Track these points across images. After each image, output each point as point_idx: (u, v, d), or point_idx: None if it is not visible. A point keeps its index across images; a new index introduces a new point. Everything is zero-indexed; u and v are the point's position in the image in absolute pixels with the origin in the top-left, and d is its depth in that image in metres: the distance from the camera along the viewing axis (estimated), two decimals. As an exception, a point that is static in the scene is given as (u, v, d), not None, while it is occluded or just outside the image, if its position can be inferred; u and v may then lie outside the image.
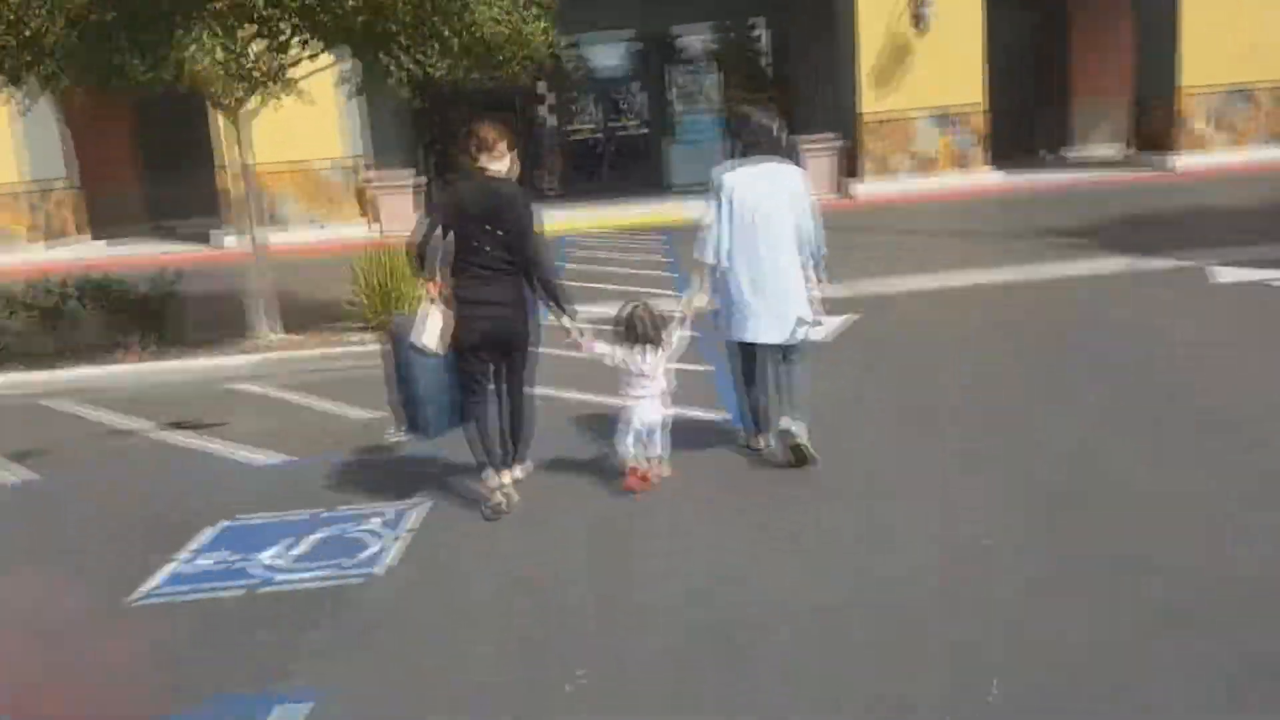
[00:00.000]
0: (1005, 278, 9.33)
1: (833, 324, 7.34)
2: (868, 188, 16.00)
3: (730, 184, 4.90)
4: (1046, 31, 19.62)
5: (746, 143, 5.00)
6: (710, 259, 4.92)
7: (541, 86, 20.32)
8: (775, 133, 5.08)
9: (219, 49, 6.88)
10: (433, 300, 4.63)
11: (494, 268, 4.62)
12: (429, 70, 7.80)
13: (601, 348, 4.79)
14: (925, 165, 16.08)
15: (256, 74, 7.75)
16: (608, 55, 20.65)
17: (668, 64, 20.60)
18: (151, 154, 19.07)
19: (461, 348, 4.60)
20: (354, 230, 15.54)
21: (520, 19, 7.92)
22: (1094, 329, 7.42)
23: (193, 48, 6.77)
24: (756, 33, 21.15)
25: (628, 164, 20.61)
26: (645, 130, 20.72)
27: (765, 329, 4.91)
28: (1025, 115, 19.22)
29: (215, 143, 14.95)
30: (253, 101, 8.26)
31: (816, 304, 5.04)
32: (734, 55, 20.89)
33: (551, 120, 20.76)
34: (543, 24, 8.05)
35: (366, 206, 16.16)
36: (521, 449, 4.96)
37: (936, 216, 14.19)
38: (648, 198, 17.30)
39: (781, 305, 4.89)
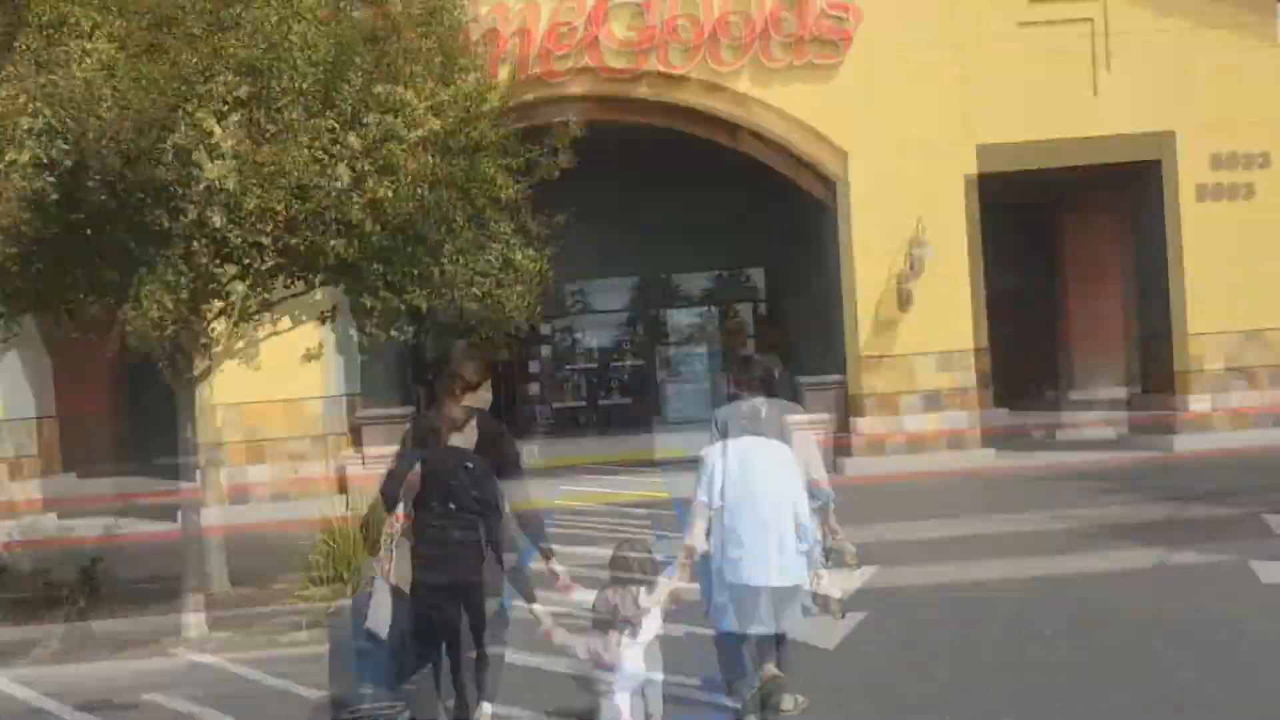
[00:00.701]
0: (1028, 572, 8.26)
1: (837, 628, 6.13)
2: (861, 462, 15.39)
3: (714, 463, 4.89)
4: (1042, 279, 19.72)
5: (742, 384, 5.21)
6: (701, 546, 4.78)
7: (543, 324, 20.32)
8: (772, 374, 5.29)
9: (167, 298, 6.36)
10: (388, 561, 4.45)
11: (463, 509, 4.44)
12: (410, 301, 7.42)
13: (564, 637, 4.25)
14: (930, 403, 15.61)
15: (216, 340, 7.41)
16: (608, 294, 20.78)
17: (665, 305, 20.70)
18: (135, 382, 18.53)
19: (417, 591, 4.41)
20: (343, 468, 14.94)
21: (510, 249, 7.64)
22: (1145, 648, 6.15)
23: (149, 287, 6.31)
24: (750, 278, 21.30)
25: (625, 397, 20.39)
26: (642, 364, 20.59)
27: (754, 570, 4.72)
28: (1024, 362, 18.99)
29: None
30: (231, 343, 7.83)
31: (819, 594, 4.71)
32: (730, 297, 21.03)
33: (548, 352, 20.66)
34: (532, 252, 7.78)
35: (356, 443, 15.58)
36: (489, 689, 4.65)
37: (942, 490, 13.47)
38: (643, 431, 16.90)
39: (772, 557, 4.75)
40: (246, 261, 6.89)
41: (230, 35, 6.54)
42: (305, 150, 6.31)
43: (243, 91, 6.48)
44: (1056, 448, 16.45)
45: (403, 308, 7.37)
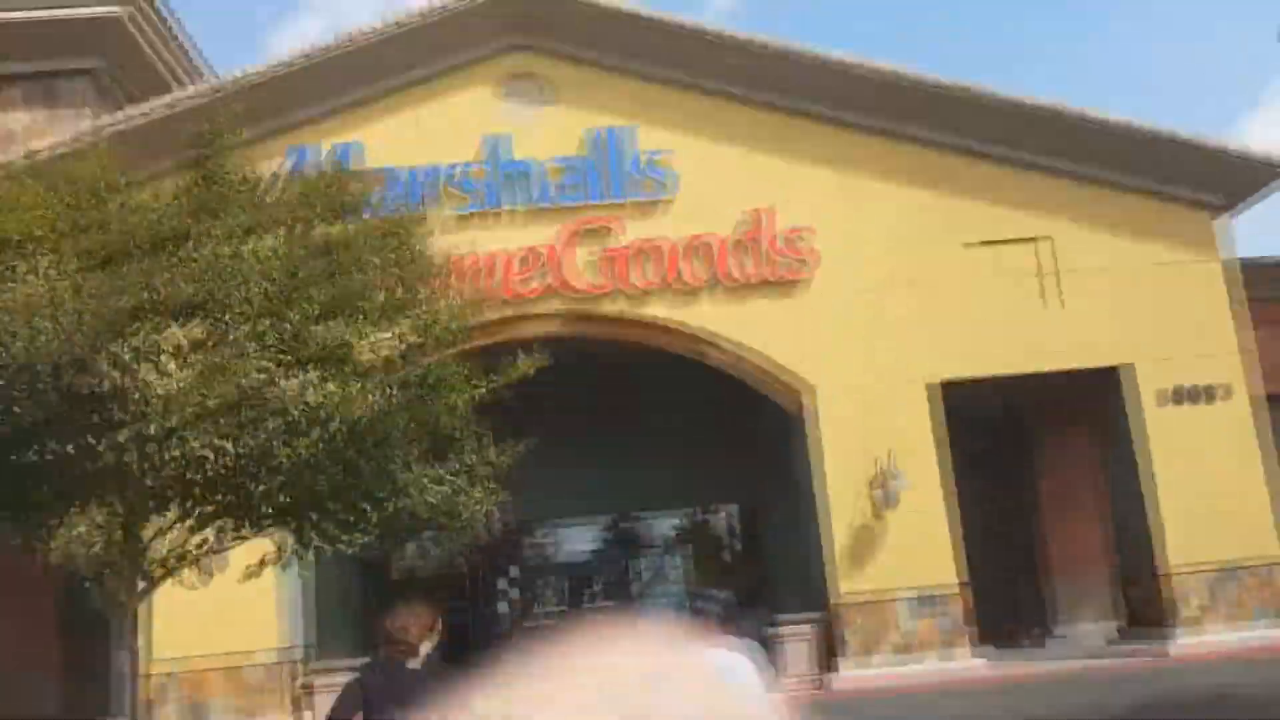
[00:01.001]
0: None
1: None
2: (848, 675, 14.61)
3: None
4: (1017, 509, 19.38)
5: (695, 618, 5.08)
6: None
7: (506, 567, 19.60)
8: (723, 606, 5.18)
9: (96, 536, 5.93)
10: None
11: None
12: (342, 548, 6.92)
13: None
14: (908, 648, 14.85)
15: (155, 566, 6.86)
16: (574, 537, 20.10)
17: (635, 545, 20.10)
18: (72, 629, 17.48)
19: None
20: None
21: (454, 490, 7.21)
22: None
23: (76, 530, 5.87)
24: (723, 515, 20.80)
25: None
26: (611, 607, 19.61)
27: None
28: (1005, 595, 18.36)
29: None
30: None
31: None
32: (701, 536, 20.41)
33: (514, 595, 19.71)
34: (478, 494, 7.35)
35: (302, 700, 14.50)
36: None
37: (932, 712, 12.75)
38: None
39: None
40: (186, 504, 6.47)
41: (180, 268, 6.40)
42: (252, 360, 6.01)
43: (194, 326, 6.29)
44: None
45: (348, 547, 6.90)
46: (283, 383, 6.32)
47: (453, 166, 15.08)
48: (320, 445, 6.45)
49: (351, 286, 6.72)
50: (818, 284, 15.42)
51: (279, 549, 7.85)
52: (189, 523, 6.81)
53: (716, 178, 15.41)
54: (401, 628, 4.44)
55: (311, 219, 7.03)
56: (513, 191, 15.18)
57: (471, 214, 15.03)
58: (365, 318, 6.71)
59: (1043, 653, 16.94)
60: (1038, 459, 19.35)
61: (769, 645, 15.57)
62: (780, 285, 15.37)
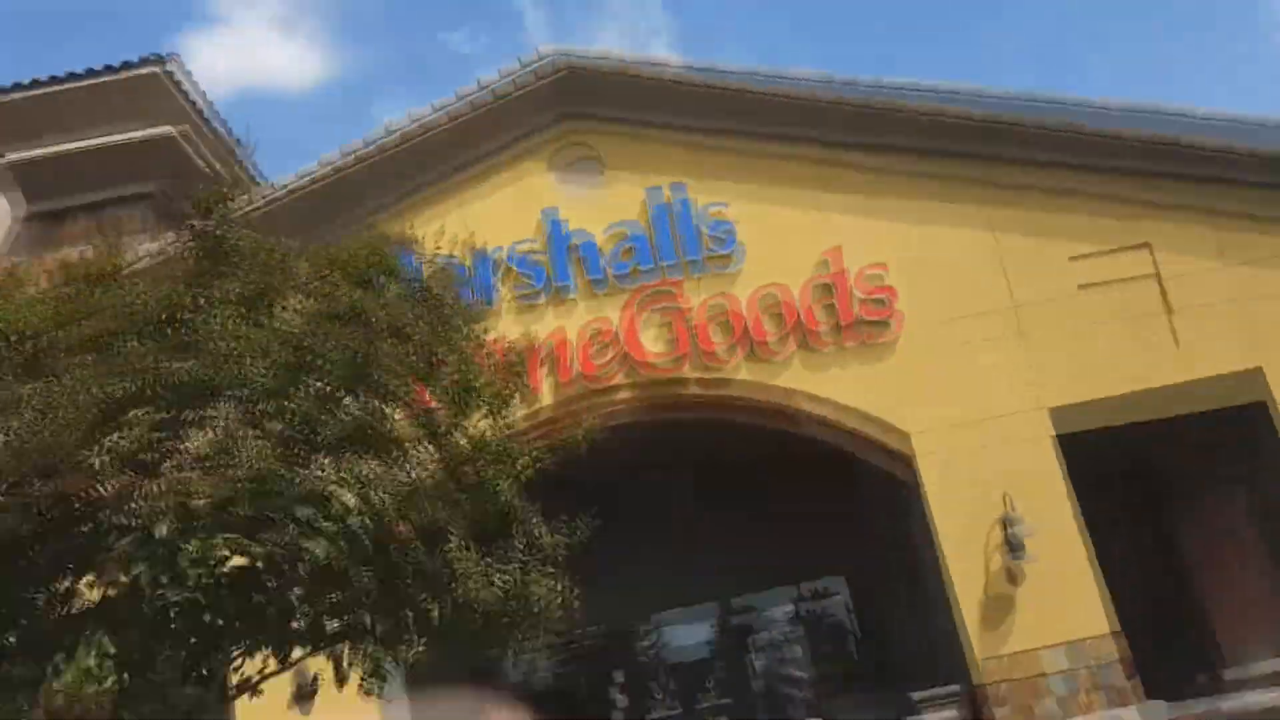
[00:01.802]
0: None
1: None
2: (1006, 749, 12.91)
3: None
4: (1162, 545, 17.45)
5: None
6: None
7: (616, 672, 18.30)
8: None
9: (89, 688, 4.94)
10: None
11: None
12: (400, 659, 5.86)
13: None
14: (1068, 711, 13.08)
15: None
16: (682, 633, 18.67)
17: (747, 635, 18.58)
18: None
19: None
20: None
21: (523, 573, 6.14)
22: None
23: (66, 678, 4.91)
24: (837, 594, 19.16)
25: None
26: (731, 706, 18.00)
27: None
28: (1163, 640, 16.35)
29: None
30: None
31: None
32: (816, 620, 18.81)
33: (624, 701, 18.24)
34: (554, 584, 6.26)
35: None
36: None
37: None
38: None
39: None
40: (194, 636, 5.50)
41: (185, 345, 5.61)
42: (262, 441, 5.11)
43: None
44: None
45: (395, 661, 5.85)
46: (319, 472, 5.44)
47: (512, 248, 14.42)
48: (362, 535, 5.51)
49: (380, 351, 5.83)
50: (904, 325, 14.18)
51: (340, 667, 6.83)
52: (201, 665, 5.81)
53: (780, 229, 14.44)
54: None
55: (338, 283, 6.19)
56: (575, 269, 14.41)
57: (535, 298, 14.31)
58: (397, 387, 5.82)
59: (1220, 697, 14.88)
60: (1181, 488, 17.43)
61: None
62: (864, 328, 14.16)
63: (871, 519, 17.03)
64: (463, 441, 6.08)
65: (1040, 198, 14.64)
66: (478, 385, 5.94)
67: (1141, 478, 17.22)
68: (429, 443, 5.80)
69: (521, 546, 6.41)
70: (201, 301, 5.90)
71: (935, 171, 14.77)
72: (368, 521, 5.29)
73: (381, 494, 5.17)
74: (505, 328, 14.11)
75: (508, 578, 6.02)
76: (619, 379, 14.13)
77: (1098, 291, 14.33)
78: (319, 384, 5.53)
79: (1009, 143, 14.57)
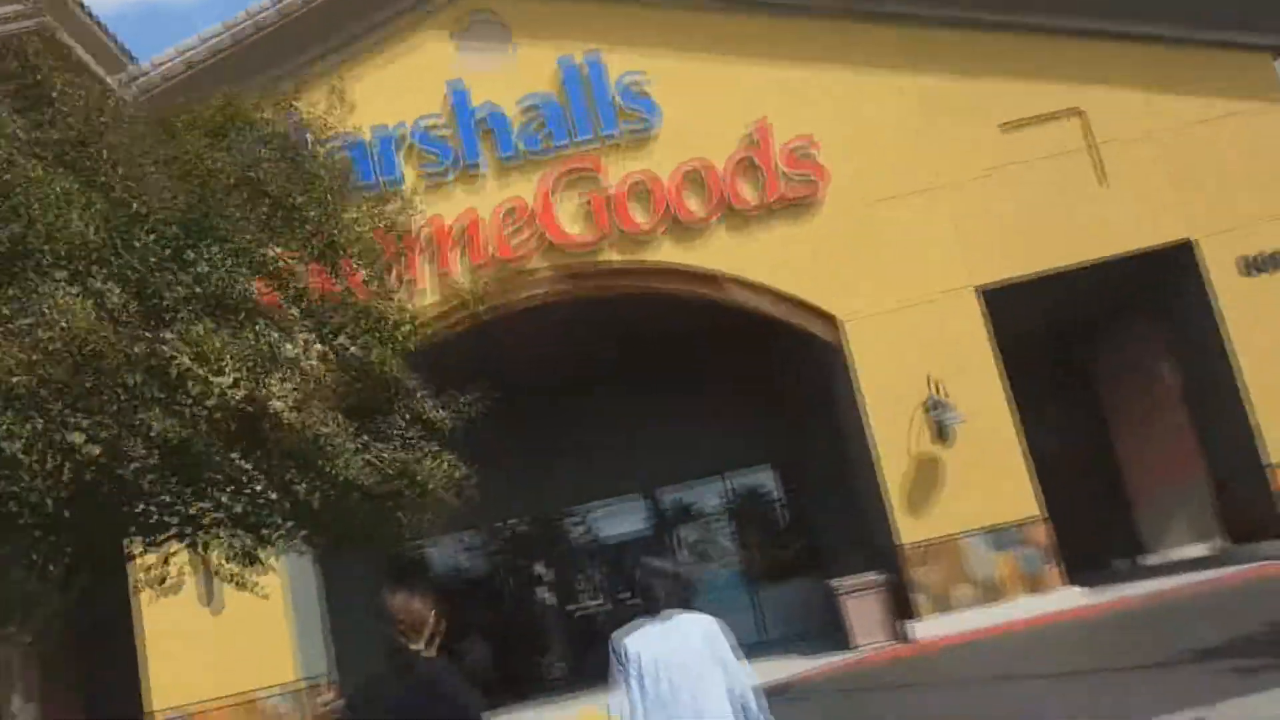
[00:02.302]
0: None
1: None
2: (927, 627, 12.76)
3: (634, 648, 4.20)
4: (1086, 431, 17.37)
5: (648, 597, 4.31)
6: None
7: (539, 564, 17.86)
8: (679, 581, 4.40)
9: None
10: None
11: None
12: (269, 544, 5.15)
13: None
14: (991, 593, 12.95)
15: None
16: (609, 520, 18.23)
17: (675, 523, 18.22)
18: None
19: None
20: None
21: (407, 459, 5.42)
22: None
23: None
24: (765, 480, 18.77)
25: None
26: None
27: None
28: (1084, 525, 16.35)
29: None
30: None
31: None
32: (746, 504, 18.47)
33: (549, 596, 17.87)
34: (442, 462, 5.56)
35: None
36: None
37: (1029, 654, 10.90)
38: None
39: None
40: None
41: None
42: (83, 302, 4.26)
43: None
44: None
45: (260, 550, 5.13)
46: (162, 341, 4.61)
47: (416, 124, 13.35)
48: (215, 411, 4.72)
49: (228, 203, 4.95)
50: (831, 199, 13.49)
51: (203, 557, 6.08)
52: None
53: (703, 98, 13.55)
54: (403, 605, 3.97)
55: (176, 131, 5.27)
56: (484, 144, 13.41)
57: (443, 177, 13.33)
58: (249, 244, 4.96)
59: (1140, 580, 14.90)
60: (1099, 367, 17.30)
61: (834, 609, 13.80)
62: (790, 206, 13.47)
63: (799, 405, 16.64)
64: (332, 305, 5.28)
65: (966, 62, 13.88)
66: (341, 240, 5.10)
67: (1060, 336, 16.93)
68: (292, 306, 5.00)
69: (405, 422, 5.70)
70: (14, 154, 4.96)
71: (862, 37, 13.94)
72: (227, 392, 4.51)
73: (236, 363, 4.38)
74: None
75: (389, 455, 5.31)
76: (536, 261, 13.33)
77: (1026, 160, 13.74)
78: (153, 240, 4.67)
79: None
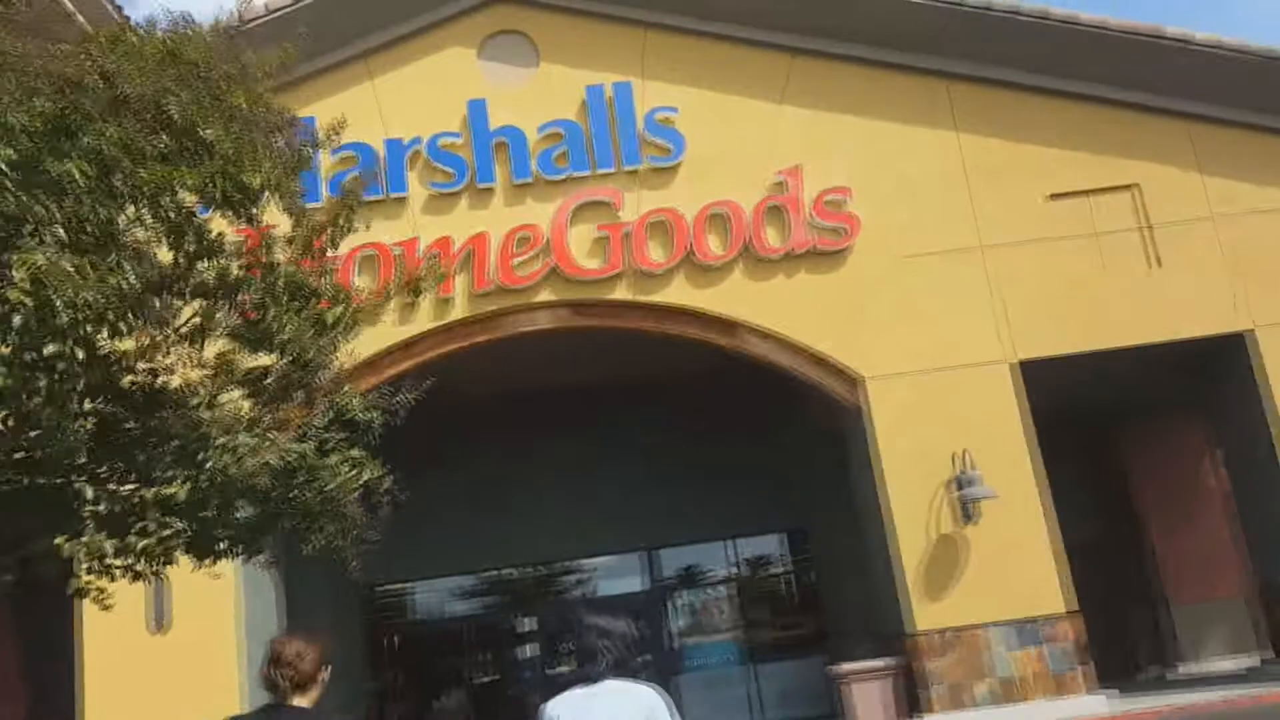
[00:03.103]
0: None
1: None
2: (938, 725, 11.43)
3: (557, 716, 3.42)
4: (1119, 526, 15.99)
5: (585, 657, 3.56)
6: None
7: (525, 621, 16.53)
8: (624, 640, 3.57)
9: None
10: None
11: None
12: (133, 549, 4.12)
13: None
14: (1010, 692, 11.60)
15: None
16: (604, 577, 16.90)
17: (670, 585, 16.83)
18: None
19: None
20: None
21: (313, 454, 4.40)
22: None
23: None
24: (772, 547, 17.38)
25: None
26: (649, 660, 16.36)
27: None
28: (1113, 626, 14.96)
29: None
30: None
31: None
32: (750, 571, 17.11)
33: (532, 651, 16.48)
34: (355, 461, 4.55)
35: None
36: None
37: None
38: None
39: None
40: None
41: None
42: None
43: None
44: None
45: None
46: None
47: (431, 141, 12.58)
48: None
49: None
50: (861, 249, 12.48)
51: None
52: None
53: (734, 137, 12.69)
54: (297, 654, 3.56)
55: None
56: (500, 164, 12.60)
57: (453, 192, 12.52)
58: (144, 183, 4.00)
59: (1173, 690, 13.43)
60: (1136, 458, 15.98)
61: (836, 695, 12.51)
62: (817, 255, 12.50)
63: (813, 470, 15.48)
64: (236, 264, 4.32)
65: (1015, 126, 12.98)
66: (255, 183, 4.12)
67: (1096, 421, 15.60)
68: (168, 239, 3.99)
69: (326, 419, 4.71)
70: None
71: (904, 87, 13.07)
72: (65, 336, 3.51)
73: (73, 297, 3.38)
74: (418, 223, 12.40)
75: (288, 447, 4.31)
76: (545, 294, 12.41)
77: (1072, 233, 12.73)
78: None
79: (980, 44, 12.79)
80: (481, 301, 12.31)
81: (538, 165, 12.52)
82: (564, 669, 16.24)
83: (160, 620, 11.40)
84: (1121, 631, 15.34)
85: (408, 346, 12.38)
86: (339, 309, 4.67)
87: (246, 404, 4.40)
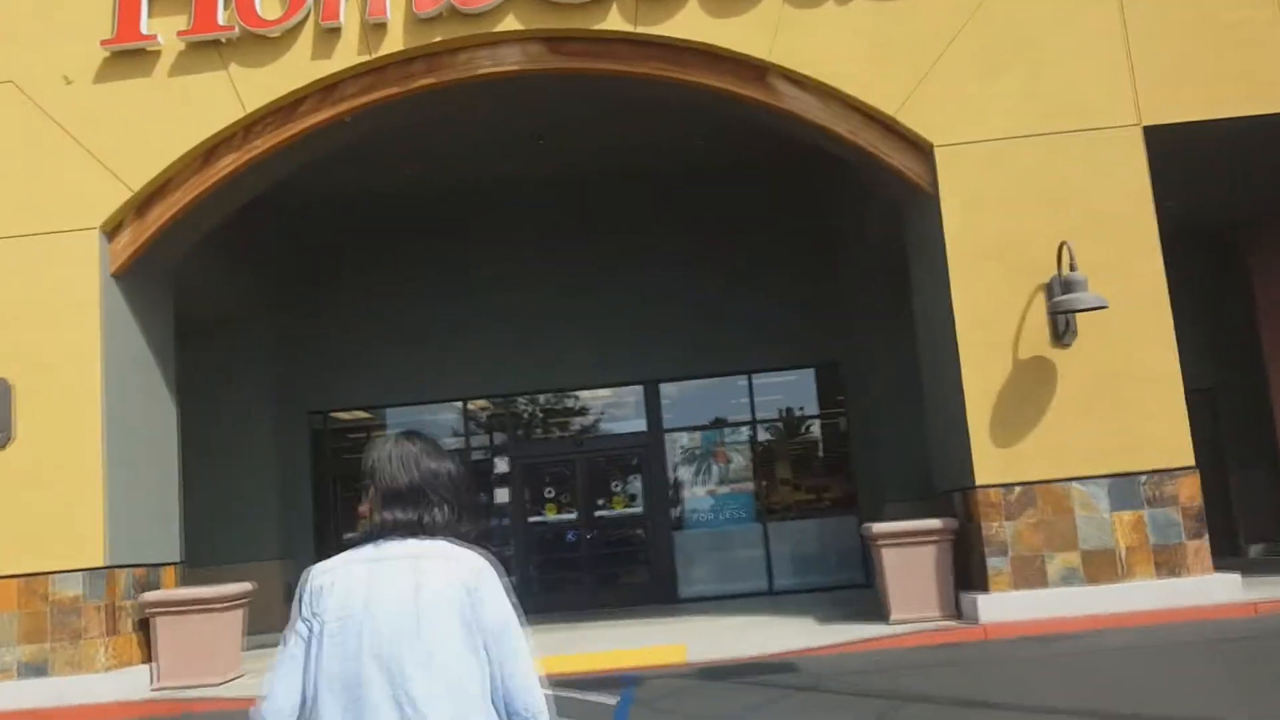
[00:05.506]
0: None
1: None
2: (999, 605, 8.37)
3: (323, 592, 1.98)
4: (1238, 377, 12.46)
5: (389, 503, 2.04)
6: None
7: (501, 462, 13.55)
8: (449, 485, 2.08)
9: None
10: None
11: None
12: None
13: None
14: (1102, 568, 8.48)
15: None
16: (595, 415, 13.80)
17: (671, 424, 13.55)
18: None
19: None
20: (112, 685, 8.31)
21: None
22: None
23: None
24: (800, 384, 13.91)
25: (617, 563, 13.11)
26: (641, 514, 13.34)
27: None
28: (1217, 494, 11.68)
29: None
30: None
31: None
32: (771, 412, 13.79)
33: (508, 494, 13.48)
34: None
35: (144, 640, 8.96)
36: None
37: (1152, 665, 6.53)
38: (643, 616, 10.93)
39: None
40: None
41: None
42: None
43: None
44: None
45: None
46: None
47: None
48: None
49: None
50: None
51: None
52: None
53: None
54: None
55: None
56: None
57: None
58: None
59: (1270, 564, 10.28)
60: (1271, 287, 12.35)
61: (872, 561, 9.57)
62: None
63: (857, 287, 12.23)
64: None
65: None
66: None
67: (1227, 212, 11.85)
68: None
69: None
70: None
71: None
72: None
73: None
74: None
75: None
76: (511, 21, 8.97)
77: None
78: None
79: None
80: (425, 29, 9.02)
81: None
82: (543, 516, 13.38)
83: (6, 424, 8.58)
84: (1225, 499, 12.12)
85: (327, 90, 9.15)
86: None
87: None
